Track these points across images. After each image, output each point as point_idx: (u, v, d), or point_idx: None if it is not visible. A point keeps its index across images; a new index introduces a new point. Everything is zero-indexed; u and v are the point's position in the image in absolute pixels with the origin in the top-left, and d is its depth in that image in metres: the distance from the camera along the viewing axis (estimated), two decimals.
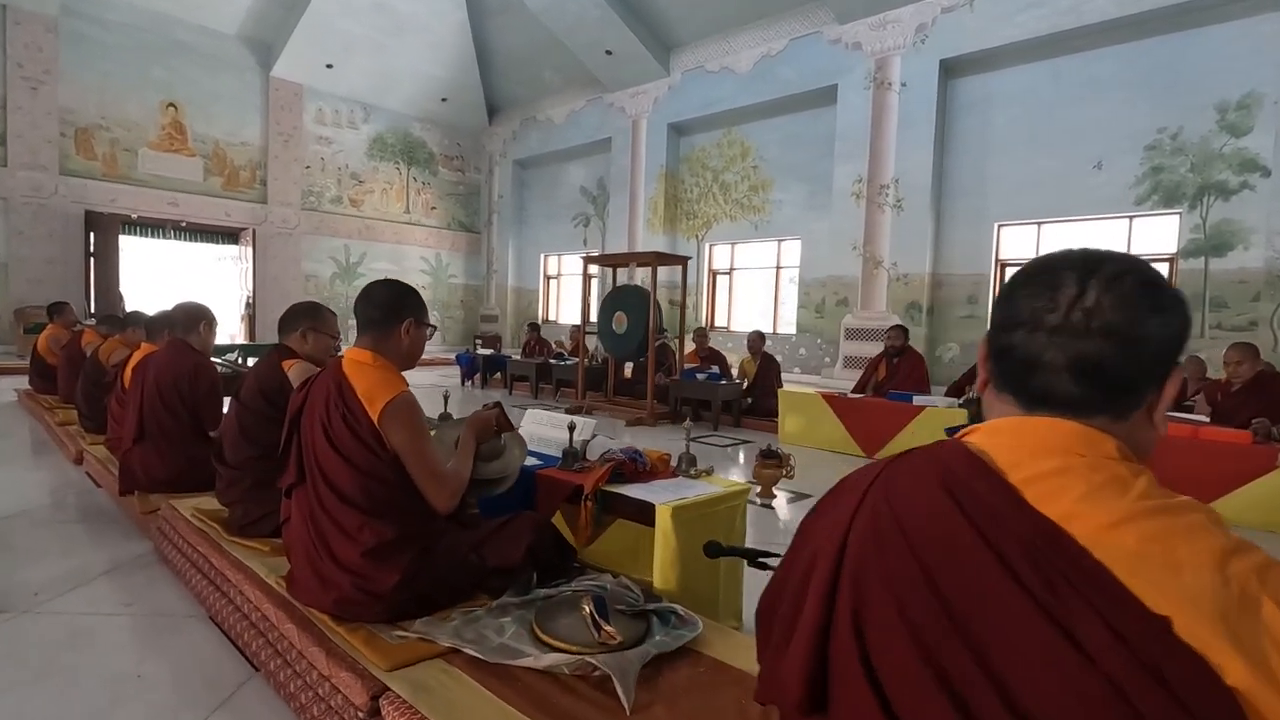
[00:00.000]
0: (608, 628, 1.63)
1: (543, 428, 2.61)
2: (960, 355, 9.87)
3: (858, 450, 5.11)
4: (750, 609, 2.15)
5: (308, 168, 14.58)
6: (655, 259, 6.24)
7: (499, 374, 9.55)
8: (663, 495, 1.99)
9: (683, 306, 6.85)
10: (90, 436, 4.46)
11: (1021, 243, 9.53)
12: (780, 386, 6.65)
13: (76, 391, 4.78)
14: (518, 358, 9.66)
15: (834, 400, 5.33)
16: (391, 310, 1.83)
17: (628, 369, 7.98)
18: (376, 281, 1.92)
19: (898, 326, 5.64)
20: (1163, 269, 8.47)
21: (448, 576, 1.75)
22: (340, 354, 1.88)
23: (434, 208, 16.86)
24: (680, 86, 13.01)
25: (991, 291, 9.68)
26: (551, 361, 8.01)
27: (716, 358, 7.00)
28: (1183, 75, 8.08)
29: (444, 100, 15.96)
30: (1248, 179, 7.74)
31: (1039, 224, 9.32)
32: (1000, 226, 9.60)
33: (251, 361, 10.58)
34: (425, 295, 16.70)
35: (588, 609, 1.67)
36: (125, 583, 2.54)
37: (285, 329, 2.47)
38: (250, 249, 13.75)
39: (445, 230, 17.12)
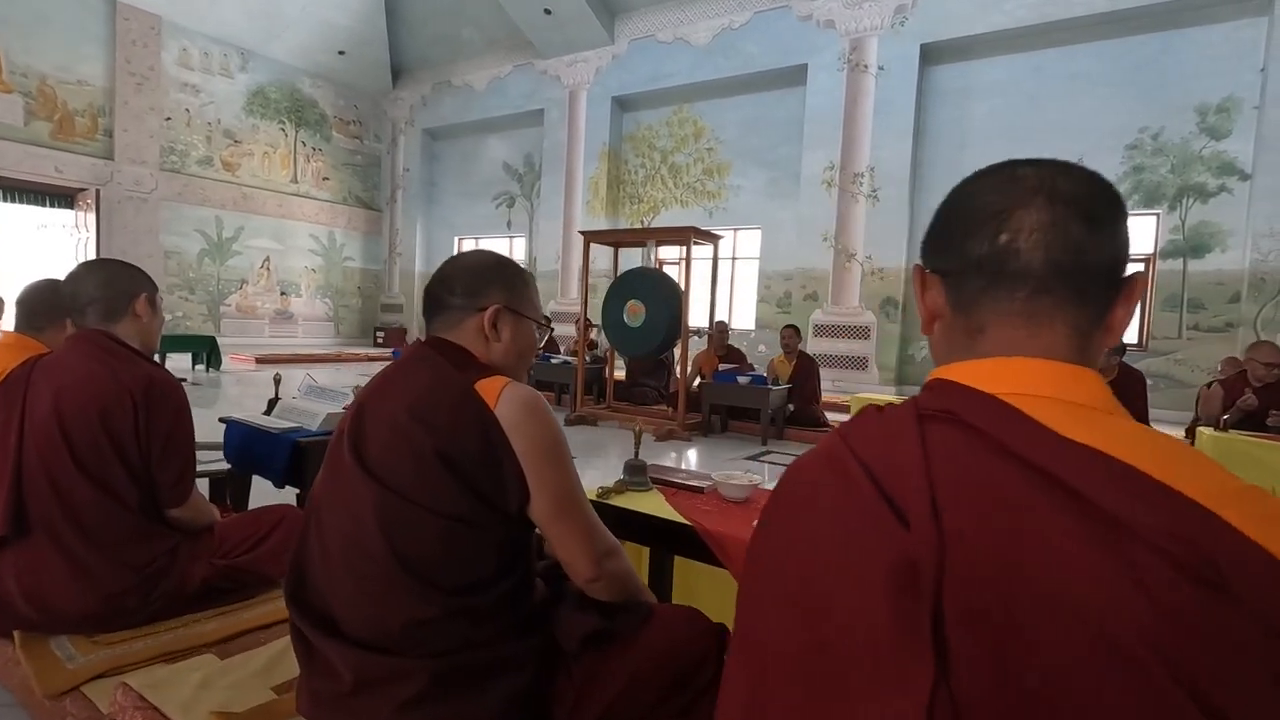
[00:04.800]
0: None
1: None
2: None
3: None
4: None
5: (168, 119, 11.91)
6: (690, 234, 5.10)
7: None
8: None
9: (713, 295, 5.76)
10: None
11: None
12: (821, 390, 5.76)
13: None
14: None
15: None
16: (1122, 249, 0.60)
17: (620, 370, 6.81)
18: (1028, 162, 0.64)
19: None
20: (1139, 269, 8.49)
21: None
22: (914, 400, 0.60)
23: (326, 179, 14.54)
24: (626, 57, 11.84)
25: None
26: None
27: (737, 357, 5.99)
28: (1165, 75, 8.07)
29: (341, 53, 13.73)
30: (1226, 182, 7.83)
31: None
32: None
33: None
34: (316, 280, 14.44)
35: None
36: None
37: (446, 306, 1.11)
38: (92, 215, 10.95)
39: (340, 205, 14.83)
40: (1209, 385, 6.07)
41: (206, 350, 8.94)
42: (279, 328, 13.86)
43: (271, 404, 2.57)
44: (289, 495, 2.41)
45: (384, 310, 15.66)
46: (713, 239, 5.44)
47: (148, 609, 1.58)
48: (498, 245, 14.53)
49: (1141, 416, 4.23)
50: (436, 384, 1.02)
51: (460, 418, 0.98)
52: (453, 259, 1.17)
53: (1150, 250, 8.32)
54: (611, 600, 1.11)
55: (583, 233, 5.89)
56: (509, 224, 14.06)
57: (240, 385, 8.11)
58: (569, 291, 12.59)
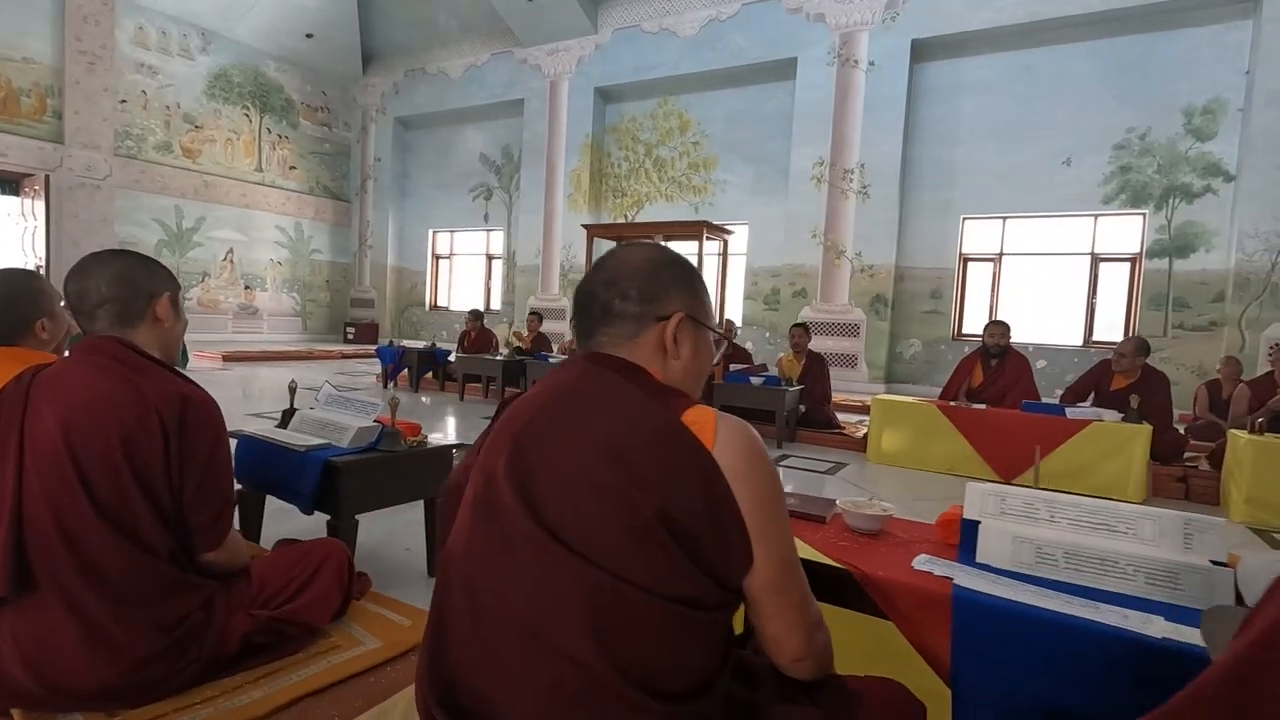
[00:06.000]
0: None
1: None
2: (923, 352, 9.52)
3: (990, 473, 4.20)
4: None
5: (123, 102, 11.21)
6: (703, 229, 4.87)
7: (431, 373, 7.55)
8: None
9: (721, 293, 5.57)
10: None
11: (986, 237, 9.32)
12: (831, 390, 5.61)
13: None
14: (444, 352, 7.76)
15: (955, 412, 4.37)
16: None
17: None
18: None
19: (998, 323, 4.82)
20: (1125, 268, 8.59)
21: None
22: None
23: (293, 167, 13.91)
24: (610, 47, 11.56)
25: (955, 287, 9.40)
26: (528, 358, 6.14)
27: (743, 357, 5.80)
28: (1152, 76, 8.15)
29: (309, 36, 13.13)
30: (1211, 183, 7.94)
31: (1004, 219, 9.15)
32: (965, 220, 9.32)
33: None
34: (282, 273, 13.85)
35: None
36: None
37: (617, 315, 0.87)
38: (40, 202, 10.23)
39: (307, 196, 14.22)
40: (1206, 383, 6.13)
41: None
42: (243, 323, 13.23)
43: (287, 415, 2.28)
44: (316, 521, 2.14)
45: (354, 305, 15.10)
46: (724, 234, 5.25)
47: (179, 677, 1.31)
48: (474, 239, 14.12)
49: (1166, 417, 4.18)
50: (636, 417, 0.78)
51: (677, 465, 0.75)
52: (614, 254, 0.93)
53: (1137, 249, 8.41)
54: (812, 679, 0.90)
55: (586, 226, 5.64)
56: (486, 217, 13.66)
57: (209, 387, 7.62)
58: (550, 287, 12.28)
